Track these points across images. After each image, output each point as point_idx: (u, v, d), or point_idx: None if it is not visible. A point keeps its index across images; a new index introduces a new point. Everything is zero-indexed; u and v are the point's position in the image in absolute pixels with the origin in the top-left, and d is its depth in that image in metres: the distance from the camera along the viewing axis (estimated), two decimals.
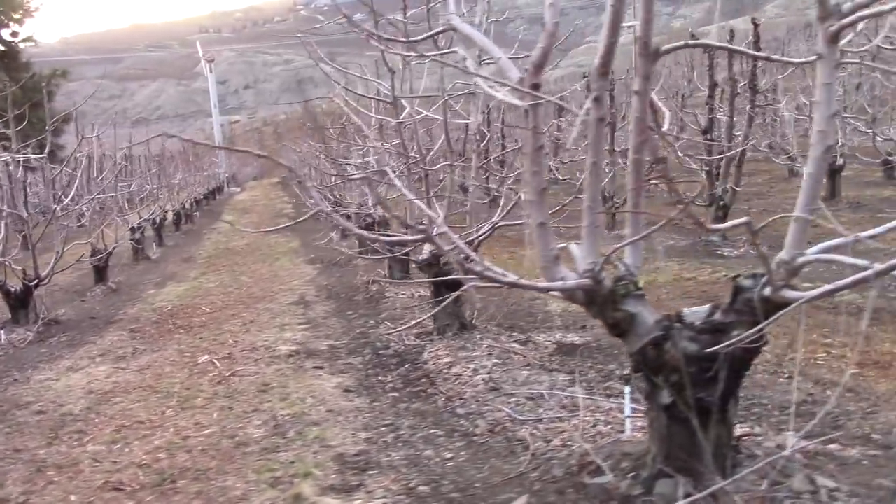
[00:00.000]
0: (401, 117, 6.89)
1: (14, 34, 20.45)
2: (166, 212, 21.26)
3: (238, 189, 50.67)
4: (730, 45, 3.19)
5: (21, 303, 9.98)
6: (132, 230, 17.06)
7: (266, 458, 4.45)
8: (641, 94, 3.00)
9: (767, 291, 2.81)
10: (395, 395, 5.75)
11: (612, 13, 2.72)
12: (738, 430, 3.68)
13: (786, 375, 5.15)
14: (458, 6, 3.92)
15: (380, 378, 6.23)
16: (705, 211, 11.88)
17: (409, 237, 3.44)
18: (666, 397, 2.96)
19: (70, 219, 11.60)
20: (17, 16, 20.37)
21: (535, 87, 3.07)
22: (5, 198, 9.95)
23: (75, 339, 9.11)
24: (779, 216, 2.99)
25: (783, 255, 2.91)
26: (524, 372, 5.87)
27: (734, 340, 2.78)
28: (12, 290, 9.86)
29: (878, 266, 2.51)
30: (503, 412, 4.86)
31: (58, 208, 9.96)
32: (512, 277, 2.85)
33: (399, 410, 5.34)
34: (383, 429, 4.92)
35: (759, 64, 11.94)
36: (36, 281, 9.88)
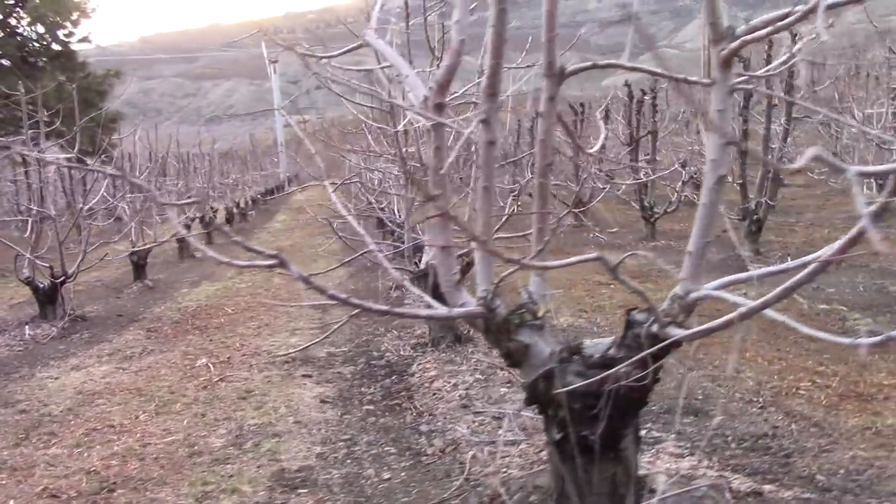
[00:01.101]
0: (400, 126, 6.83)
1: (69, 34, 21.11)
2: (216, 211, 21.59)
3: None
4: (640, 66, 3.04)
5: (49, 299, 10.24)
6: (186, 227, 17.42)
7: (211, 470, 4.45)
8: (546, 116, 2.89)
9: (655, 328, 2.67)
10: (370, 407, 5.70)
11: (495, 35, 2.62)
12: (666, 465, 3.53)
13: (759, 405, 4.93)
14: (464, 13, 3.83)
15: (362, 389, 6.19)
16: (737, 224, 11.54)
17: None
18: (555, 433, 2.84)
19: (96, 217, 11.82)
20: (72, 17, 20.99)
21: (439, 106, 2.98)
22: (34, 196, 10.20)
23: (95, 337, 9.29)
24: (628, 253, 2.83)
25: (677, 289, 2.76)
26: (503, 389, 5.76)
27: (612, 373, 2.64)
28: (41, 286, 10.13)
29: (743, 308, 2.36)
30: (460, 432, 4.77)
31: (83, 207, 10.16)
32: (379, 307, 2.75)
33: (366, 424, 5.29)
34: (340, 443, 4.88)
35: (796, 77, 11.53)
36: (63, 278, 10.13)
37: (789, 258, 8.99)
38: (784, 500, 3.38)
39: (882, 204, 1.78)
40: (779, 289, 2.37)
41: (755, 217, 11.26)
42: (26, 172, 10.96)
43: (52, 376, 7.16)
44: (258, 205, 32.22)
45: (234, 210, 26.56)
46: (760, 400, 5.00)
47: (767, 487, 3.51)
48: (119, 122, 18.92)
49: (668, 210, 14.92)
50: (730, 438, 4.40)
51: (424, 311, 2.80)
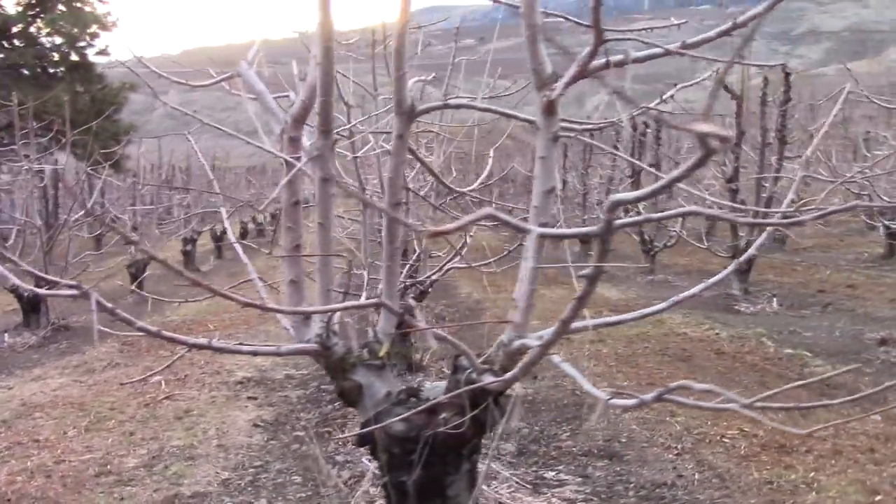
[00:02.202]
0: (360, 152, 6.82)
1: (87, 46, 21.55)
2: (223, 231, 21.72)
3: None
4: (491, 107, 2.99)
5: (33, 307, 10.37)
6: (184, 241, 17.58)
7: (109, 492, 4.44)
8: (395, 154, 2.87)
9: (474, 375, 2.61)
10: (300, 434, 5.66)
11: (322, 73, 2.60)
12: None
13: (677, 451, 4.82)
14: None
15: (301, 415, 6.16)
16: (723, 263, 11.37)
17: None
18: (381, 477, 2.79)
19: (82, 229, 11.96)
20: (91, 29, 21.40)
21: (293, 140, 2.96)
22: (27, 206, 10.36)
23: (71, 348, 9.37)
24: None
25: (503, 337, 2.70)
26: None
27: (433, 419, 2.58)
28: (24, 294, 10.26)
29: (531, 355, 2.31)
30: (366, 465, 4.72)
31: (70, 218, 10.28)
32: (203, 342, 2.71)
33: (287, 451, 5.25)
34: (251, 470, 4.86)
35: (794, 114, 11.39)
36: (46, 287, 10.23)
37: (775, 300, 8.79)
38: None
39: (594, 269, 1.72)
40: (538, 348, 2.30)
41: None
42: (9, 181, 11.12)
43: (7, 386, 7.23)
44: (277, 220, 32.39)
45: (251, 225, 26.78)
46: (679, 447, 4.89)
47: None
48: (132, 133, 19.19)
49: (669, 245, 14.76)
50: (631, 485, 4.30)
51: (247, 348, 2.77)
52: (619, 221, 1.54)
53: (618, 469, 4.59)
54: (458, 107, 2.86)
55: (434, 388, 2.88)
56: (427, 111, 2.86)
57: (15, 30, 20.75)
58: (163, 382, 7.14)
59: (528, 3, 2.35)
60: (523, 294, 2.62)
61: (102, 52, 22.58)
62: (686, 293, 2.75)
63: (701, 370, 7.04)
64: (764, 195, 11.05)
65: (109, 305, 2.45)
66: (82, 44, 21.27)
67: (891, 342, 7.81)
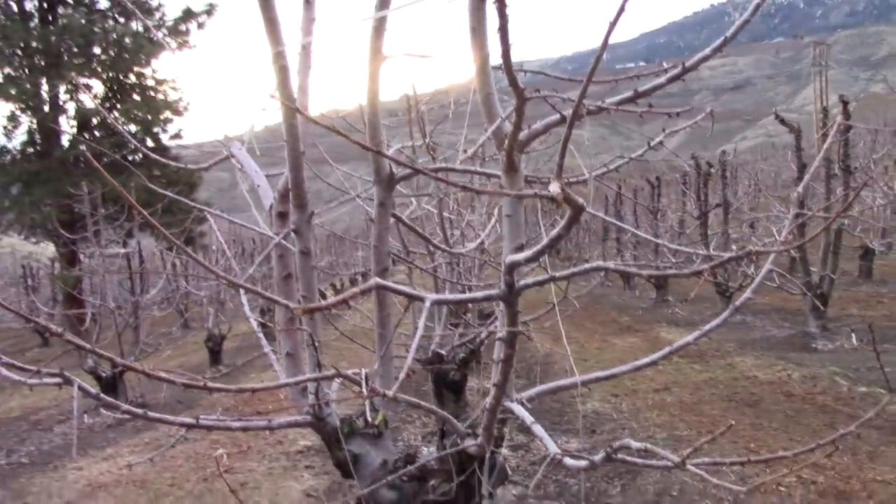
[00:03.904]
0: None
1: (162, 132, 22.60)
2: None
3: None
4: (470, 168, 3.00)
5: (110, 387, 10.71)
6: (261, 312, 17.96)
7: None
8: (378, 222, 2.89)
9: (459, 441, 2.57)
10: (349, 502, 5.65)
11: (289, 149, 2.65)
12: None
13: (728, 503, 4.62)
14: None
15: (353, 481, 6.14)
16: (802, 300, 10.99)
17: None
18: None
19: (153, 309, 12.33)
20: (163, 116, 22.42)
21: (281, 215, 3.02)
22: (100, 290, 10.78)
23: (146, 426, 9.59)
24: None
25: (486, 401, 2.65)
26: None
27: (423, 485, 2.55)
28: (103, 374, 10.63)
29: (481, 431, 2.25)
30: None
31: (141, 300, 10.65)
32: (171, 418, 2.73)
33: None
34: None
35: (857, 143, 11.03)
36: (122, 368, 10.58)
37: (853, 335, 8.43)
38: None
39: (509, 334, 1.68)
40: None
41: (819, 291, 10.68)
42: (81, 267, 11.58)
43: (78, 467, 7.43)
44: (356, 284, 32.79)
45: (330, 292, 27.18)
46: (730, 499, 4.69)
47: None
48: (207, 209, 19.76)
49: (744, 284, 14.35)
50: None
51: (236, 424, 2.79)
52: (521, 283, 1.51)
53: None
54: (436, 170, 2.87)
55: (431, 454, 2.84)
56: (405, 178, 2.89)
57: (94, 121, 21.94)
58: (225, 455, 7.25)
59: (481, 68, 2.37)
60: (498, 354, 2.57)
61: (176, 136, 23.68)
62: (679, 342, 2.66)
63: (767, 415, 6.77)
64: (834, 227, 10.67)
65: (93, 391, 2.51)
66: (156, 129, 22.35)
67: None
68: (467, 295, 1.69)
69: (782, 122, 10.55)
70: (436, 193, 5.73)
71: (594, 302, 19.61)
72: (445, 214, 6.65)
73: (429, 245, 4.10)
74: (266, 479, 6.37)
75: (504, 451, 6.59)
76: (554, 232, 1.38)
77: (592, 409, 7.75)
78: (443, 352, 6.96)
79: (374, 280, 1.49)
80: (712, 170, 14.61)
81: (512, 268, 1.46)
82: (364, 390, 1.82)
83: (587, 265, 1.64)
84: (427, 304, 1.58)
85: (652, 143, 3.08)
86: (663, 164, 23.78)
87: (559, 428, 7.11)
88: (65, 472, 7.23)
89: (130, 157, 18.91)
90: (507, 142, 2.26)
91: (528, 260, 1.53)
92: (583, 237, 31.17)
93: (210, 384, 2.03)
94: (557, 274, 1.65)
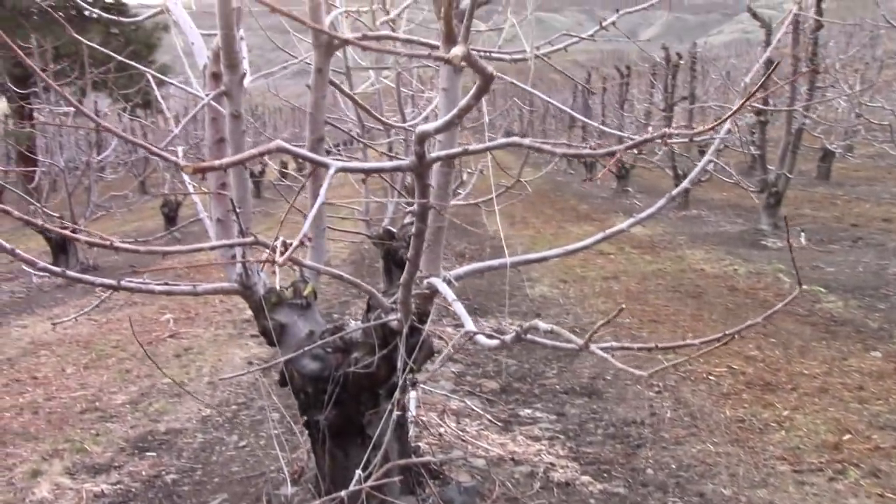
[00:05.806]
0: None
1: None
2: (265, 166, 21.86)
3: None
4: (402, 36, 2.88)
5: (61, 248, 10.60)
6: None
7: (88, 428, 4.54)
8: (315, 90, 2.79)
9: (383, 316, 2.56)
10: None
11: (221, 4, 2.51)
12: (515, 448, 3.42)
13: (657, 390, 4.74)
14: None
15: None
16: (757, 197, 11.08)
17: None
18: (301, 416, 2.78)
19: (105, 171, 12.09)
20: None
21: (215, 76, 2.90)
22: (49, 148, 10.51)
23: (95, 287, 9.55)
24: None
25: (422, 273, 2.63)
26: None
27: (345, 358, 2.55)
28: (52, 236, 10.49)
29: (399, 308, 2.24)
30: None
31: (94, 161, 10.41)
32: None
33: (274, 389, 5.30)
34: (233, 407, 4.92)
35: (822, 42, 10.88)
36: (72, 227, 10.45)
37: (802, 234, 8.53)
38: (590, 494, 3.25)
39: (420, 206, 1.63)
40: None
41: (773, 190, 10.76)
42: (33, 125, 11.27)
43: (23, 325, 7.41)
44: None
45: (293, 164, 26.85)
46: (661, 384, 4.81)
47: (584, 479, 3.38)
48: (168, 75, 19.28)
49: (703, 180, 14.41)
50: (602, 423, 4.25)
51: (159, 287, 2.75)
52: (432, 155, 1.46)
53: (594, 407, 4.54)
54: (377, 38, 2.75)
55: (360, 326, 2.84)
56: (344, 44, 2.77)
57: None
58: (171, 321, 7.26)
59: None
60: (431, 238, 2.54)
61: None
62: (612, 229, 2.64)
63: (709, 307, 6.90)
64: (794, 127, 10.66)
65: (9, 247, 2.43)
66: None
67: None
68: (374, 164, 1.63)
69: (754, 16, 10.36)
70: (394, 67, 5.57)
71: (555, 189, 19.63)
72: (404, 90, 6.49)
73: (379, 121, 3.99)
74: (211, 345, 6.41)
75: (449, 329, 6.68)
76: (463, 101, 1.31)
77: (540, 294, 7.84)
78: (394, 229, 6.93)
79: (276, 142, 1.43)
80: (681, 62, 14.41)
81: (422, 138, 1.40)
82: (278, 258, 1.77)
83: (502, 140, 1.58)
84: (331, 171, 1.52)
85: (604, 24, 2.98)
86: (637, 55, 23.42)
87: (506, 310, 7.19)
88: (9, 329, 7.21)
89: (86, 13, 18.11)
90: (443, 9, 2.16)
91: (438, 130, 1.47)
92: (549, 123, 31.00)
93: (117, 244, 1.95)
94: (470, 147, 1.59)
